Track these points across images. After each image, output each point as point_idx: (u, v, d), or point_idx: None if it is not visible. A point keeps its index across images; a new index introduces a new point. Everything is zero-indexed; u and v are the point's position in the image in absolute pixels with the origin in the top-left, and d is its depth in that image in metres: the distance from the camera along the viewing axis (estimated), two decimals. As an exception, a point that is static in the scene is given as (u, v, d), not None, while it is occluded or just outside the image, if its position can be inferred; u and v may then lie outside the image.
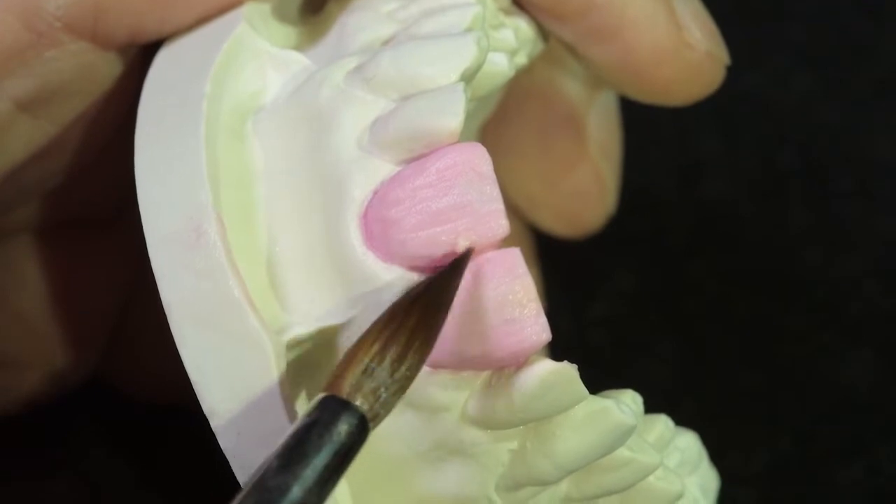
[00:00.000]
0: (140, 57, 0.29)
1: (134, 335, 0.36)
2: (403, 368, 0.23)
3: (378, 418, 0.22)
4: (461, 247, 0.24)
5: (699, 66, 0.30)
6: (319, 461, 0.22)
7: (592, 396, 0.25)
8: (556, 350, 0.34)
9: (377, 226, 0.24)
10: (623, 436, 0.25)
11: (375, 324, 0.23)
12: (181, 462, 0.36)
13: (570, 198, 0.34)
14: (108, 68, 0.29)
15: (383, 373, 0.22)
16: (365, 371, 0.22)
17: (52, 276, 0.34)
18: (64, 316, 0.35)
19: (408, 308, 0.23)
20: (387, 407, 0.23)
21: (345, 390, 0.22)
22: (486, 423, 0.24)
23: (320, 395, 0.22)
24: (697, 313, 0.40)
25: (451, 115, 0.24)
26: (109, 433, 0.37)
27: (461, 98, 0.24)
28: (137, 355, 0.36)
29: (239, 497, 0.21)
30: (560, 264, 0.37)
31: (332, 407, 0.22)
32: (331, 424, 0.22)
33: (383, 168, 0.24)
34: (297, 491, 0.21)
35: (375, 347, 0.23)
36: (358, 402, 0.22)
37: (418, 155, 0.24)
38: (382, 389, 0.22)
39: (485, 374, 0.24)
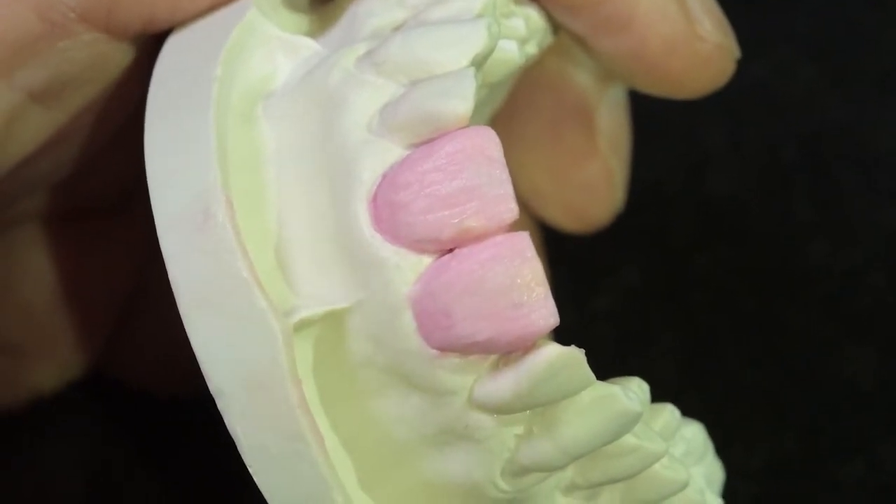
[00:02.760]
0: (151, 45, 0.29)
1: (139, 326, 0.36)
2: None
3: None
4: (469, 230, 0.24)
5: (710, 59, 0.30)
6: None
7: (599, 382, 0.25)
8: (560, 343, 0.34)
9: (386, 209, 0.24)
10: (629, 422, 0.25)
11: None
12: (186, 454, 0.36)
13: (579, 192, 0.34)
14: (121, 57, 0.29)
15: None
16: None
17: (57, 265, 0.34)
18: (69, 306, 0.35)
19: None
20: None
21: None
22: (493, 407, 0.24)
23: None
24: (702, 308, 0.40)
25: (461, 99, 0.24)
26: (113, 425, 0.37)
27: (471, 82, 0.24)
28: (142, 346, 0.36)
29: None
30: (565, 258, 0.37)
31: None
32: None
33: (393, 152, 0.25)
34: None
35: None
36: None
37: (427, 139, 0.24)
38: None
39: (492, 358, 0.24)
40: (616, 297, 0.40)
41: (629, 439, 0.25)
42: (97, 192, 0.33)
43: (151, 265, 0.33)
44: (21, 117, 0.28)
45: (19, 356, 0.35)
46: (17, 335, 0.35)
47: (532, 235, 0.36)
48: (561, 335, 0.34)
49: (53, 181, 0.32)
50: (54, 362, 0.36)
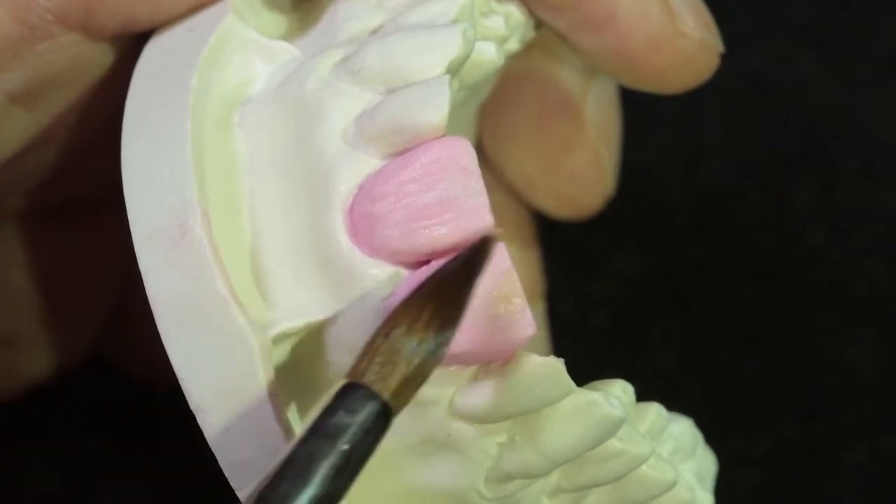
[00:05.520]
0: (133, 44, 0.29)
1: (133, 315, 0.36)
2: (426, 354, 0.22)
3: (400, 406, 0.22)
4: (445, 241, 0.24)
5: (693, 55, 0.29)
6: (342, 449, 0.21)
7: (580, 389, 0.25)
8: (558, 332, 0.34)
9: (362, 221, 0.24)
10: (612, 428, 0.25)
11: (397, 309, 0.23)
12: (182, 444, 0.36)
13: (569, 180, 0.34)
14: (101, 58, 0.28)
15: (406, 358, 0.22)
16: (387, 358, 0.22)
17: (49, 258, 0.34)
18: (62, 296, 0.35)
19: (428, 293, 0.23)
20: (408, 393, 0.22)
21: (368, 377, 0.22)
22: (474, 417, 0.24)
23: (342, 382, 0.22)
24: (699, 295, 0.40)
25: (436, 109, 0.24)
26: (109, 415, 0.37)
27: (446, 91, 0.24)
28: (137, 335, 0.36)
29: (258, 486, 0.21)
30: (562, 246, 0.37)
31: (354, 395, 0.22)
32: (353, 413, 0.21)
33: (369, 162, 0.24)
34: (318, 481, 0.21)
35: (397, 333, 0.22)
36: (378, 389, 0.22)
37: (403, 149, 0.24)
38: (405, 375, 0.22)
39: (471, 369, 0.24)
40: (613, 285, 0.40)
41: (613, 443, 0.25)
42: (85, 187, 0.33)
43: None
44: (2, 119, 0.28)
45: (15, 346, 0.35)
46: (12, 327, 0.35)
47: (525, 224, 0.36)
48: (558, 323, 0.34)
49: (40, 179, 0.32)
50: (50, 352, 0.36)
